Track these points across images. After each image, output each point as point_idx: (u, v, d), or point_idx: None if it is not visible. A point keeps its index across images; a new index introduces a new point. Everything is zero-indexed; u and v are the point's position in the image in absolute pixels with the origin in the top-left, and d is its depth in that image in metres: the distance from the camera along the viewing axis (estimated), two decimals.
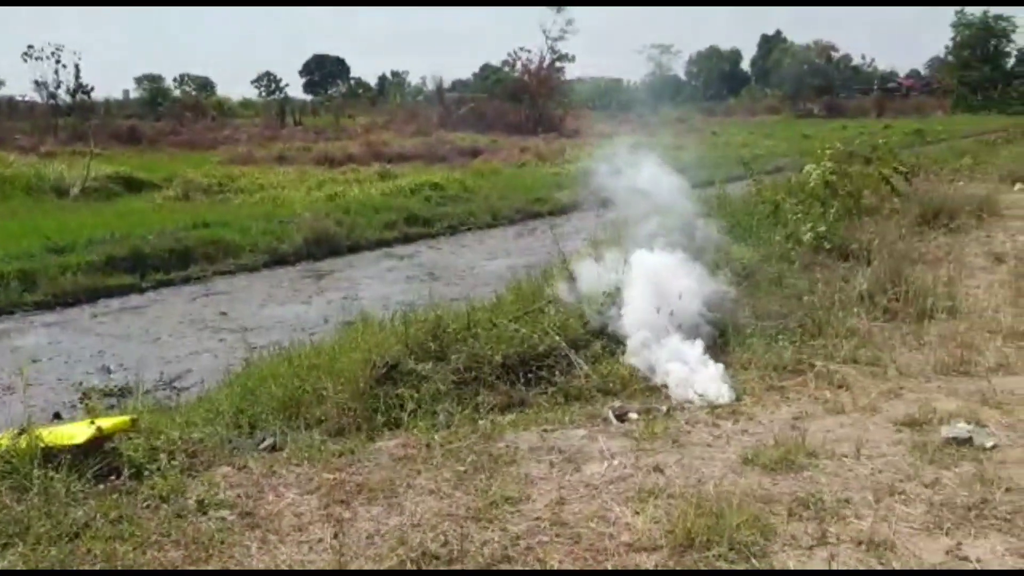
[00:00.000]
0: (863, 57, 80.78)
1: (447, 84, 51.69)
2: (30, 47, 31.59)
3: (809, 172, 10.07)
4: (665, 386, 5.15)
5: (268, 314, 9.16)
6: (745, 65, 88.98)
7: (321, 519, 3.58)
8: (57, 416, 5.70)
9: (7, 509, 3.51)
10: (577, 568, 3.16)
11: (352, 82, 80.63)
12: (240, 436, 4.58)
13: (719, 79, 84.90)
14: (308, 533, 3.46)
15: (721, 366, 5.28)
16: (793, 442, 4.13)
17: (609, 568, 3.15)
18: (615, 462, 4.08)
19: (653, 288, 5.75)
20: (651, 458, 4.11)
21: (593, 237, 7.45)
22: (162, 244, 11.34)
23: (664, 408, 4.84)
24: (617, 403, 4.94)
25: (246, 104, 58.99)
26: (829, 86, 67.71)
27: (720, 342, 5.82)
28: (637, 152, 7.29)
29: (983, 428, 4.34)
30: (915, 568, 3.10)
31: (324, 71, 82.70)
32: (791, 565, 3.12)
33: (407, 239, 13.93)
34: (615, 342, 5.67)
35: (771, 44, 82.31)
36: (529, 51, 41.86)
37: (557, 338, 5.45)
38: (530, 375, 5.23)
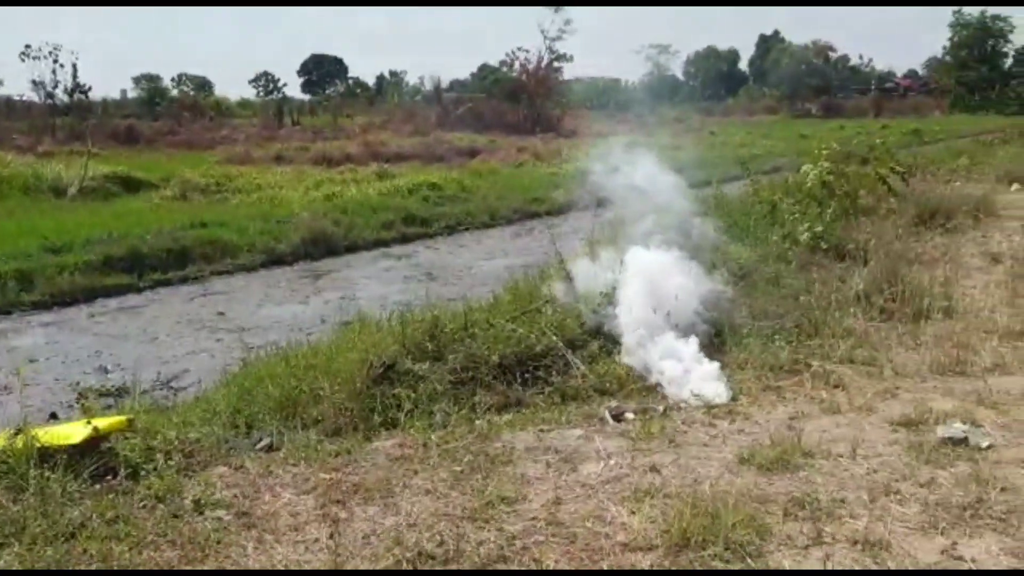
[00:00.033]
0: (861, 57, 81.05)
1: (445, 84, 51.86)
2: (27, 47, 31.57)
3: (806, 172, 10.08)
4: (660, 385, 5.15)
5: (265, 314, 9.15)
6: (743, 65, 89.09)
7: (317, 519, 3.58)
8: (53, 416, 5.70)
9: (3, 509, 3.51)
10: (573, 568, 3.17)
11: (350, 82, 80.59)
12: (237, 436, 4.58)
13: (717, 79, 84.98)
14: (304, 533, 3.47)
15: (716, 364, 5.29)
16: (789, 442, 4.14)
17: (605, 568, 3.15)
18: (611, 462, 4.08)
19: (649, 286, 5.76)
20: (647, 458, 4.11)
21: (590, 237, 7.44)
22: (159, 244, 11.33)
23: (661, 408, 4.84)
24: (614, 403, 4.94)
25: (244, 104, 58.97)
26: (827, 86, 67.76)
27: (717, 342, 5.83)
28: (634, 152, 7.30)
29: (979, 428, 4.35)
30: (910, 568, 3.11)
31: (322, 71, 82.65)
32: (786, 565, 3.12)
33: (405, 239, 13.93)
34: (612, 342, 5.67)
35: (769, 44, 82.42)
36: (527, 51, 41.92)
37: (554, 338, 5.46)
38: (527, 375, 5.23)
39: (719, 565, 3.12)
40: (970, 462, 3.95)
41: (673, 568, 3.12)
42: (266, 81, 75.29)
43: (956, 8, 67.55)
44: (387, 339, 5.34)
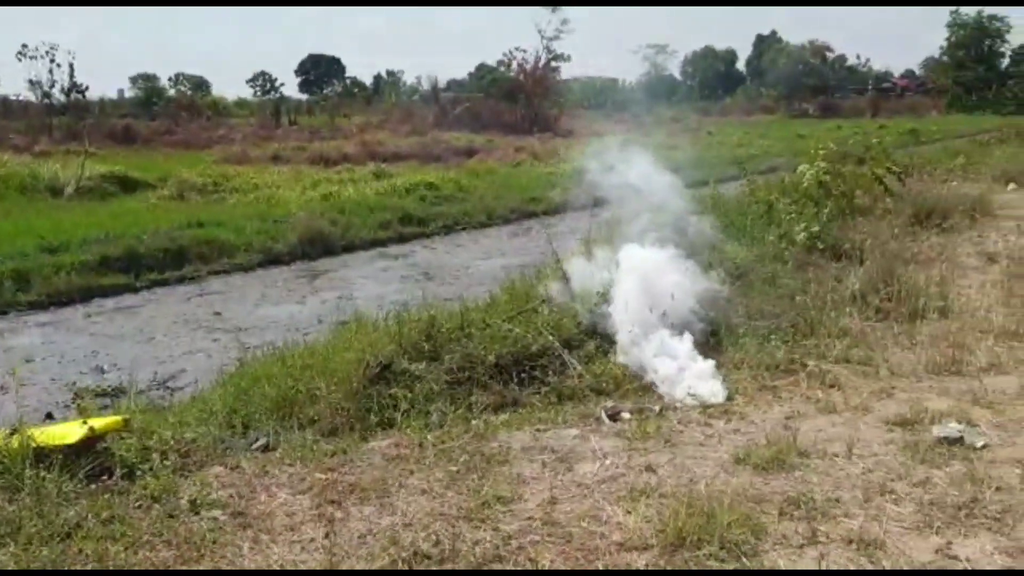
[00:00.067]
0: (858, 57, 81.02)
1: (442, 84, 51.79)
2: (24, 46, 31.41)
3: (803, 172, 10.09)
4: (655, 384, 5.16)
5: (262, 314, 9.15)
6: (740, 65, 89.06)
7: (313, 519, 3.58)
8: (49, 416, 5.70)
9: None
10: (568, 567, 3.17)
11: (347, 82, 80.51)
12: (233, 436, 4.58)
13: (714, 79, 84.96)
14: (300, 533, 3.47)
15: (711, 362, 5.30)
16: (785, 442, 4.15)
17: (600, 567, 3.16)
18: (607, 462, 4.09)
19: (643, 284, 5.77)
20: (643, 458, 4.12)
21: (587, 236, 7.44)
22: (156, 244, 11.32)
23: (657, 408, 4.85)
24: (610, 403, 4.95)
25: (241, 104, 58.83)
26: (824, 86, 67.79)
27: (713, 341, 5.84)
28: (632, 152, 7.30)
29: (974, 427, 4.36)
30: (905, 567, 3.12)
31: (319, 71, 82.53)
32: (781, 564, 3.13)
33: (402, 239, 13.93)
34: (608, 341, 5.68)
35: (766, 44, 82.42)
36: (525, 51, 41.86)
37: (550, 338, 5.46)
38: (523, 375, 5.24)
39: (714, 565, 3.12)
40: (965, 461, 3.96)
41: (668, 568, 3.13)
42: (263, 81, 75.21)
43: (953, 8, 67.72)
44: (383, 339, 5.34)
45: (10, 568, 3.16)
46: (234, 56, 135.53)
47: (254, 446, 4.44)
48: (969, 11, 66.22)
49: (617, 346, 5.54)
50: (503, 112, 39.01)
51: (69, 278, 9.90)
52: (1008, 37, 65.84)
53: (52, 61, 31.73)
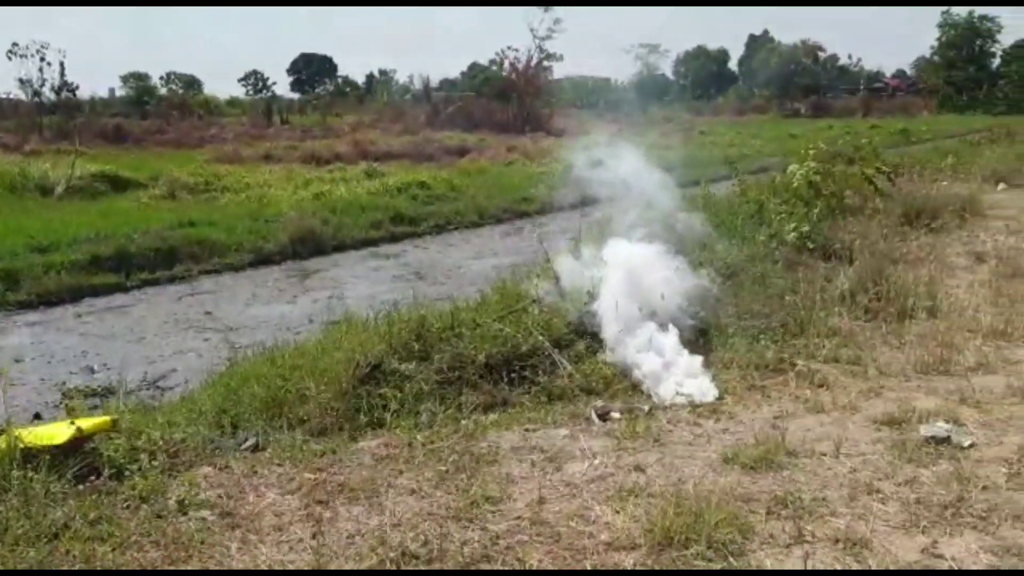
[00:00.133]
0: (850, 57, 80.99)
1: (435, 83, 51.73)
2: (15, 44, 31.26)
3: (793, 172, 10.12)
4: (641, 381, 5.17)
5: (253, 313, 9.13)
6: (733, 65, 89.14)
7: (301, 519, 3.58)
8: (38, 416, 5.68)
9: None
10: (556, 567, 3.18)
11: (339, 81, 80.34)
12: (222, 436, 4.57)
13: (707, 78, 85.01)
14: (288, 533, 3.47)
15: (699, 358, 5.32)
16: (773, 441, 4.17)
17: (588, 567, 3.17)
18: (596, 461, 4.10)
19: (632, 280, 5.78)
20: (632, 457, 4.13)
21: (578, 235, 7.45)
22: (147, 243, 11.29)
23: (646, 407, 4.86)
24: (600, 402, 4.96)
25: (233, 103, 58.58)
26: (816, 86, 67.93)
27: (703, 341, 5.86)
28: (623, 151, 7.31)
29: (961, 427, 4.39)
30: (891, 566, 3.14)
31: (311, 70, 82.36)
32: (768, 564, 3.14)
33: (393, 238, 13.91)
34: (598, 341, 5.69)
35: (758, 44, 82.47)
36: (517, 50, 41.81)
37: (541, 338, 5.47)
38: (513, 375, 5.25)
39: (701, 564, 3.13)
40: (952, 461, 3.99)
41: (656, 567, 3.14)
42: (255, 80, 75.08)
43: (944, 8, 67.90)
44: (374, 339, 5.34)
45: None
46: (226, 55, 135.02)
47: (243, 446, 4.44)
48: (960, 11, 66.51)
49: (605, 342, 5.56)
50: (495, 111, 38.98)
51: (59, 278, 9.87)
52: (999, 37, 66.15)
53: (43, 60, 31.58)
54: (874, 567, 3.12)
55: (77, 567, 3.19)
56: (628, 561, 3.19)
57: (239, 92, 70.13)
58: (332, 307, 8.20)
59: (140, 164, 21.69)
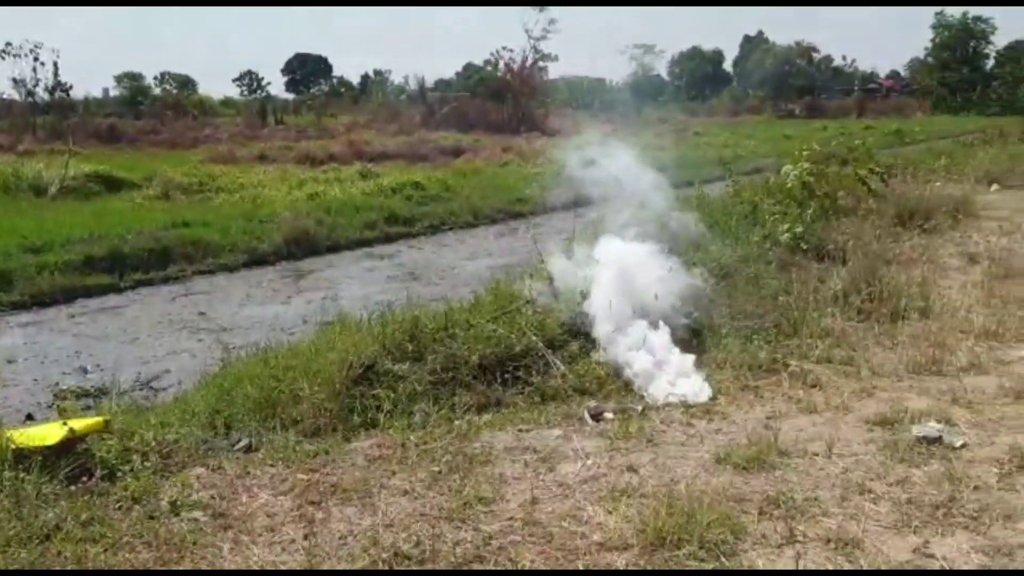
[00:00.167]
0: (844, 58, 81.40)
1: (429, 83, 51.66)
2: (8, 44, 31.22)
3: (787, 173, 10.14)
4: (632, 379, 5.18)
5: (247, 314, 9.12)
6: (727, 65, 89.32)
7: (294, 519, 3.58)
8: (30, 417, 5.65)
9: None
10: (548, 567, 3.18)
11: (334, 81, 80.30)
12: (215, 437, 4.57)
13: (701, 79, 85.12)
14: (280, 534, 3.47)
15: (691, 356, 5.32)
16: (765, 441, 4.17)
17: (580, 567, 3.17)
18: (589, 462, 4.10)
19: (624, 279, 5.79)
20: (625, 457, 4.14)
21: (572, 236, 7.46)
22: (141, 243, 11.26)
23: (639, 408, 4.87)
24: (593, 403, 4.97)
25: (227, 103, 58.43)
26: (810, 87, 68.11)
27: (696, 341, 5.87)
28: (618, 152, 7.32)
29: (953, 427, 4.40)
30: (882, 566, 3.14)
31: (306, 70, 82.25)
32: (760, 564, 3.15)
33: (388, 239, 13.90)
34: (592, 341, 5.69)
35: (753, 45, 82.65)
36: (512, 50, 41.88)
37: (534, 338, 5.47)
38: (507, 375, 5.25)
39: (693, 564, 3.14)
40: (944, 461, 4.00)
41: (648, 567, 3.15)
42: (250, 80, 74.86)
43: (938, 9, 68.11)
44: (367, 339, 5.34)
45: None
46: (220, 55, 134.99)
47: (236, 447, 4.43)
48: (954, 12, 66.71)
49: (598, 343, 5.56)
50: (490, 112, 38.97)
51: (52, 278, 9.84)
52: (992, 38, 66.35)
53: (36, 59, 31.55)
54: (865, 567, 3.13)
55: (69, 568, 3.18)
56: (620, 561, 3.19)
57: (234, 92, 69.92)
58: (326, 308, 8.21)
59: (134, 164, 21.63)
